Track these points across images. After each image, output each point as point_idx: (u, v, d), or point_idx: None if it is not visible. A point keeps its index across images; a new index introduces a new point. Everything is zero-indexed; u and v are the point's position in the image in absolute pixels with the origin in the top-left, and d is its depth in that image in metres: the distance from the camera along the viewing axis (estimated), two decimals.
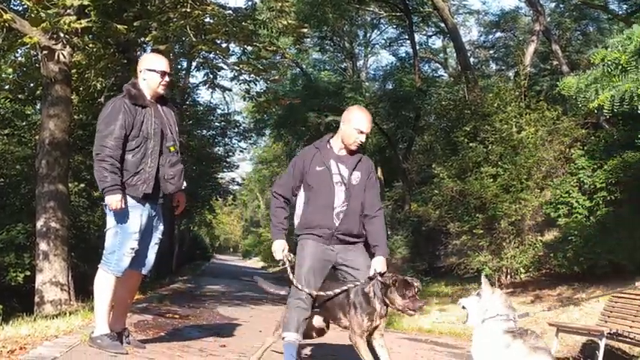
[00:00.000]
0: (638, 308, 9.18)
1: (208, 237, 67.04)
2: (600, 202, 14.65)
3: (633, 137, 11.45)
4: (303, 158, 5.71)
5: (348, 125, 5.59)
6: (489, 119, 16.62)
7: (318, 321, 5.83)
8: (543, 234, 17.23)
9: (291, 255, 5.67)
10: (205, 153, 31.14)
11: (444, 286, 18.32)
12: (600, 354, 8.57)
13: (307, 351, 7.28)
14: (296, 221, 5.78)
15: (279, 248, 5.63)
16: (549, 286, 15.18)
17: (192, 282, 21.06)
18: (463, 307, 4.82)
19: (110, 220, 5.83)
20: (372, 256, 5.61)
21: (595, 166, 15.06)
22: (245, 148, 39.60)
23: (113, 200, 5.64)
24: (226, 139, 33.19)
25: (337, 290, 5.47)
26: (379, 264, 5.47)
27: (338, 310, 5.51)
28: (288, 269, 5.57)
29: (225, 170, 36.99)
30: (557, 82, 12.38)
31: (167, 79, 6.04)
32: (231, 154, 34.91)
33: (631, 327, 9.00)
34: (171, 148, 5.96)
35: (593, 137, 16.02)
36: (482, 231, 16.09)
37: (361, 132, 5.57)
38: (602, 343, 8.54)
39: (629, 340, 8.71)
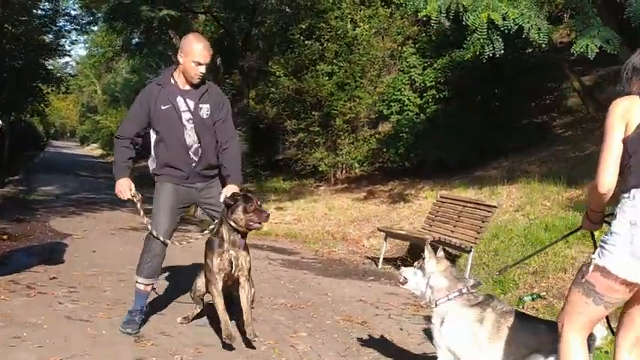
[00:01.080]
0: (459, 213, 9.77)
1: (42, 125, 64.12)
2: (430, 100, 15.16)
3: (461, 37, 11.76)
4: (148, 97, 5.27)
5: (186, 59, 5.17)
6: (325, 16, 16.61)
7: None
8: (377, 128, 17.71)
9: (138, 194, 5.37)
10: (33, 41, 29.31)
11: (282, 181, 18.63)
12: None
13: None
14: (151, 162, 5.44)
15: (126, 187, 5.28)
16: (382, 182, 15.80)
17: (23, 183, 20.21)
18: (404, 279, 4.50)
19: None
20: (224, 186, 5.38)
21: (425, 65, 15.46)
22: (76, 40, 37.68)
23: None
24: (55, 27, 31.29)
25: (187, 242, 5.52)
26: (230, 191, 5.19)
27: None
28: (139, 208, 5.33)
29: (57, 58, 35.12)
30: None
31: None
32: (62, 40, 33.08)
33: (452, 232, 9.60)
34: None
35: (424, 35, 16.36)
36: (318, 128, 16.40)
37: (199, 64, 5.18)
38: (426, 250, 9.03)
39: (450, 245, 9.29)
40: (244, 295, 5.14)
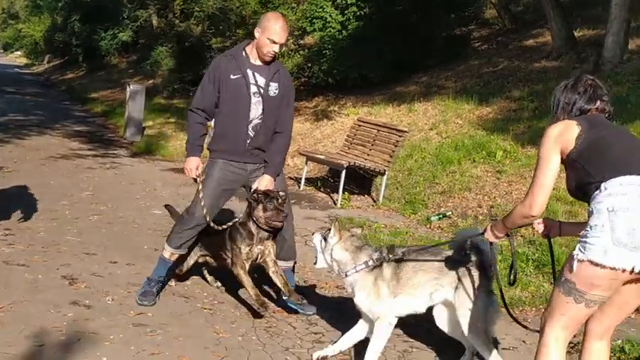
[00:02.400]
0: (374, 137, 10.39)
1: None
2: (351, 17, 15.50)
3: None
4: (218, 67, 5.30)
5: (262, 35, 5.14)
6: None
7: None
8: (303, 42, 17.98)
9: (203, 174, 5.34)
10: None
11: None
12: (341, 181, 9.71)
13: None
14: (209, 135, 5.56)
15: (194, 166, 5.29)
16: (307, 97, 16.25)
17: None
18: (315, 259, 4.76)
19: None
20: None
21: None
22: None
23: None
24: None
25: (224, 226, 5.37)
26: (264, 182, 5.28)
27: (218, 247, 5.46)
28: (199, 189, 5.29)
29: None
30: None
31: None
32: None
33: (368, 155, 10.25)
34: None
35: None
36: None
37: (274, 42, 5.14)
38: (342, 174, 9.65)
39: (366, 169, 9.93)
40: (277, 275, 5.31)
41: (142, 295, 5.35)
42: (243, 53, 5.30)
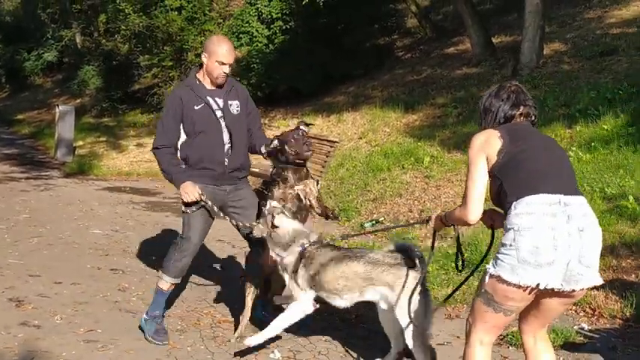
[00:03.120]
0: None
1: None
2: (277, 31, 15.81)
3: None
4: (178, 100, 5.16)
5: (210, 59, 5.11)
6: None
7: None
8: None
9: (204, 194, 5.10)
10: None
11: (140, 114, 18.94)
12: None
13: None
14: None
15: (193, 189, 5.05)
16: None
17: None
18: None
19: None
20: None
21: None
22: None
23: None
24: None
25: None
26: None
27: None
28: (212, 207, 5.09)
29: None
30: None
31: None
32: None
33: None
34: None
35: None
36: (171, 62, 16.74)
37: (223, 64, 5.08)
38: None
39: None
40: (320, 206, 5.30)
41: (155, 334, 5.18)
42: (197, 82, 5.23)
